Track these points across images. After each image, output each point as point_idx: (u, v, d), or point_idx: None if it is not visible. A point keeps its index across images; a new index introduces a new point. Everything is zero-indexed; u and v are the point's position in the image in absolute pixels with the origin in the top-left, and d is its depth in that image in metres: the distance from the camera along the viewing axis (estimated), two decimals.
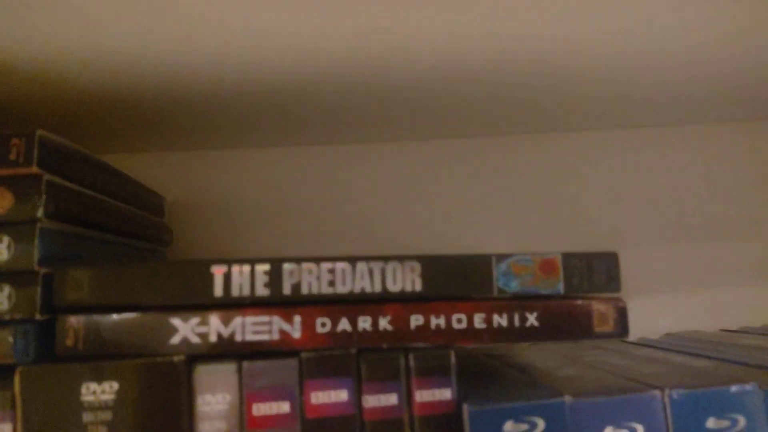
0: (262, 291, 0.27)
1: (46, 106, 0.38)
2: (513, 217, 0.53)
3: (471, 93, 0.42)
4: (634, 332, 0.52)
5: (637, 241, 0.54)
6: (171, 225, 0.50)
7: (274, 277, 0.27)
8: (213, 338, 0.27)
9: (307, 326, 0.27)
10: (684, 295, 0.53)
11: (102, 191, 0.33)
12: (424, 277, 0.27)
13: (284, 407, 0.26)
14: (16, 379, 0.26)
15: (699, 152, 0.56)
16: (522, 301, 0.28)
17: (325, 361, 0.26)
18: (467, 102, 0.43)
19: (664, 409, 0.26)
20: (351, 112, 0.44)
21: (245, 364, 0.26)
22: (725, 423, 0.26)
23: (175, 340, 0.26)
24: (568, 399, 0.26)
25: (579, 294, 0.29)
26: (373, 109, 0.43)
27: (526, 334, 0.27)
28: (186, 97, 0.38)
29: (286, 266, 0.27)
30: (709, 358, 0.35)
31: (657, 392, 0.26)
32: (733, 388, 0.26)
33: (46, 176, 0.27)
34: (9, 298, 0.26)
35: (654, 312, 0.53)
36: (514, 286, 0.28)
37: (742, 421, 0.26)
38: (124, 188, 0.37)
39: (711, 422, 0.26)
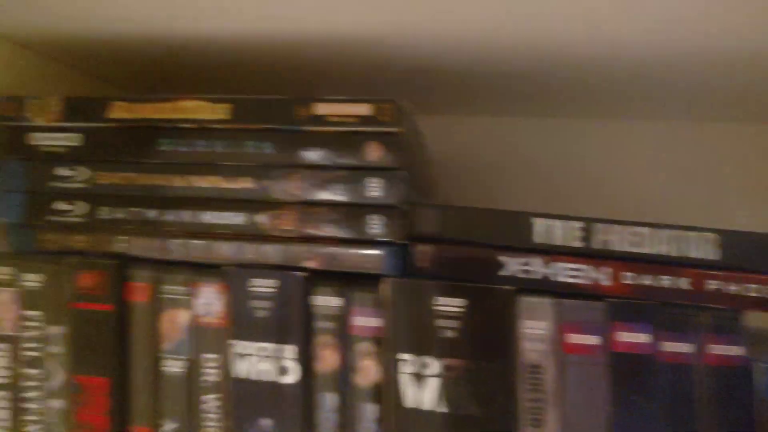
0: (575, 242, 0.34)
1: (405, 78, 0.47)
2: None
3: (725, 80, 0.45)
4: None
5: None
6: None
7: (588, 233, 0.34)
8: (535, 276, 0.34)
9: (615, 277, 0.33)
10: None
11: (420, 148, 0.42)
12: (724, 248, 0.33)
13: (593, 340, 0.33)
14: (385, 285, 0.35)
15: None
16: None
17: (629, 307, 0.33)
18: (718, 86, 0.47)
19: None
20: (608, 88, 0.49)
21: (561, 300, 0.34)
22: None
23: (504, 272, 0.34)
24: None
25: None
26: (629, 89, 0.48)
27: None
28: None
29: (597, 225, 0.34)
30: None
31: None
32: None
33: (404, 135, 0.36)
34: (382, 225, 0.35)
35: None
36: None
37: None
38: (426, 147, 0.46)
39: None
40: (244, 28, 0.39)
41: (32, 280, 0.40)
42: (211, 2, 0.35)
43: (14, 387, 0.41)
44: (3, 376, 0.41)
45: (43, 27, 0.41)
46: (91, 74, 0.54)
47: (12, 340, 0.41)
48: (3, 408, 0.41)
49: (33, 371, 0.40)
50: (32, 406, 0.40)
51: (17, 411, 0.41)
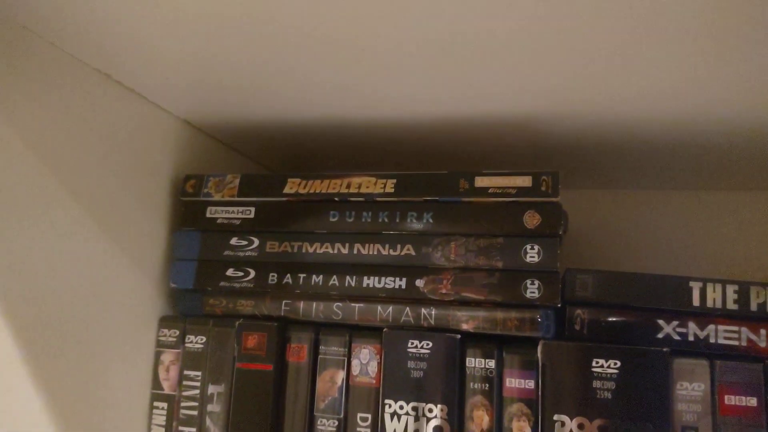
0: (731, 305, 0.47)
1: (547, 155, 0.65)
2: None
3: None
4: None
5: None
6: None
7: (742, 296, 0.47)
8: (690, 338, 0.47)
9: None
10: None
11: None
12: None
13: (752, 401, 0.45)
14: (540, 347, 0.49)
15: None
16: None
17: None
18: None
19: None
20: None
21: (718, 362, 0.46)
22: None
23: (660, 335, 0.48)
24: None
25: None
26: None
27: None
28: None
29: (753, 288, 0.47)
30: None
31: None
32: None
33: (560, 204, 0.52)
34: (539, 289, 0.50)
35: None
36: None
37: None
38: None
39: None
40: (404, 112, 0.59)
41: (196, 342, 0.58)
42: (382, 92, 0.54)
43: None
44: None
45: (225, 114, 0.62)
46: (250, 157, 0.76)
47: (171, 400, 0.58)
48: None
49: (188, 429, 0.57)
50: None
51: None
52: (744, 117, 0.51)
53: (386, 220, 0.54)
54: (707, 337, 0.45)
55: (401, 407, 0.50)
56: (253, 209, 0.58)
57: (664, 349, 0.45)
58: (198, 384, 0.56)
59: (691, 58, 0.40)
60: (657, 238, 0.77)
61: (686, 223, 0.76)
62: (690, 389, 0.45)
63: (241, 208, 0.58)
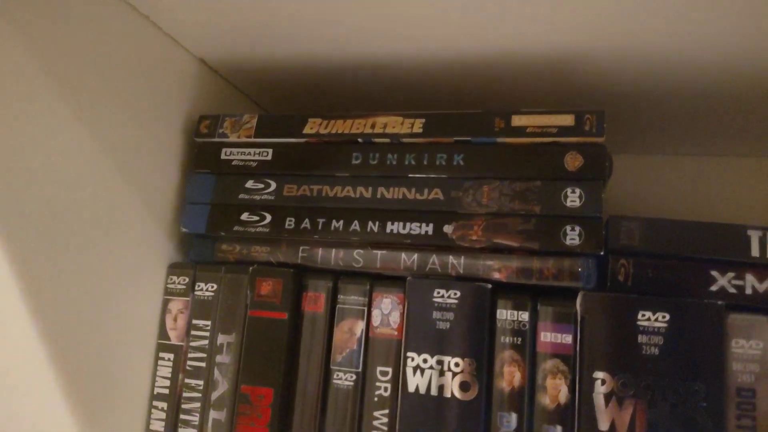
0: None
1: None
2: None
3: None
4: None
5: None
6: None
7: None
8: (748, 291, 0.42)
9: None
10: None
11: None
12: None
13: None
14: (580, 299, 0.44)
15: None
16: None
17: None
18: None
19: None
20: None
21: None
22: None
23: (714, 288, 0.43)
24: None
25: None
26: None
27: None
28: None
29: None
30: None
31: None
32: None
33: (605, 145, 0.47)
34: (580, 236, 0.46)
35: None
36: None
37: None
38: None
39: None
40: (433, 51, 0.54)
41: (206, 290, 0.54)
42: (415, 29, 0.50)
43: (173, 398, 0.53)
44: (163, 387, 0.54)
45: (242, 55, 0.58)
46: (266, 108, 0.72)
47: (177, 350, 0.54)
48: (158, 419, 0.54)
49: (195, 382, 0.53)
50: (190, 417, 0.52)
51: (174, 422, 0.53)
52: None
53: (413, 162, 0.50)
54: (767, 291, 0.41)
55: (425, 361, 0.46)
56: (270, 151, 0.54)
57: (719, 303, 0.41)
58: (207, 334, 0.52)
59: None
60: (697, 208, 0.72)
61: (731, 191, 0.71)
62: (747, 347, 0.40)
63: (257, 150, 0.55)
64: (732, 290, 0.42)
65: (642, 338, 0.41)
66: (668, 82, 0.52)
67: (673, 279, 0.43)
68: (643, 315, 0.42)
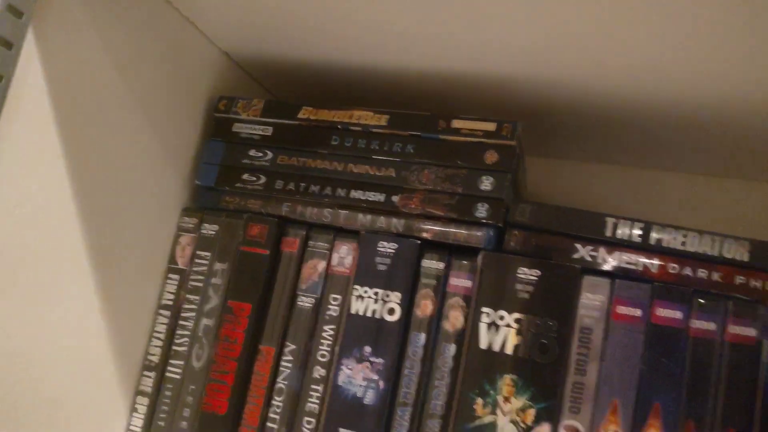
0: (635, 239, 0.59)
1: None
2: None
3: None
4: None
5: None
6: None
7: (645, 232, 0.59)
8: (599, 261, 0.59)
9: (662, 267, 0.58)
10: None
11: (522, 173, 0.70)
12: (751, 252, 0.56)
13: (637, 312, 0.57)
14: (480, 257, 0.61)
15: None
16: None
17: (670, 290, 0.57)
18: None
19: None
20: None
21: (617, 281, 0.58)
22: None
23: (575, 256, 0.60)
24: None
25: None
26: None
27: None
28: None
29: (654, 227, 0.59)
30: None
31: None
32: None
33: (515, 148, 0.64)
34: (487, 211, 0.62)
35: None
36: None
37: None
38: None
39: None
40: (410, 60, 0.71)
41: (210, 229, 0.71)
42: (404, 41, 0.67)
43: (175, 308, 0.70)
44: (168, 300, 0.71)
45: (257, 50, 0.76)
46: (275, 95, 0.89)
47: (182, 273, 0.71)
48: (162, 323, 0.70)
49: (193, 297, 0.70)
50: (186, 323, 0.69)
51: (173, 327, 0.70)
52: (736, 95, 0.63)
53: (377, 147, 0.67)
54: (611, 261, 0.57)
55: (365, 291, 0.62)
56: (271, 128, 0.71)
57: (577, 267, 0.57)
58: (207, 262, 0.69)
59: (681, 34, 0.52)
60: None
61: (652, 204, 0.86)
62: (592, 299, 0.57)
63: (261, 126, 0.71)
64: (588, 259, 0.58)
65: (518, 286, 0.58)
66: (585, 101, 0.69)
67: (548, 247, 0.59)
68: (522, 270, 0.58)
